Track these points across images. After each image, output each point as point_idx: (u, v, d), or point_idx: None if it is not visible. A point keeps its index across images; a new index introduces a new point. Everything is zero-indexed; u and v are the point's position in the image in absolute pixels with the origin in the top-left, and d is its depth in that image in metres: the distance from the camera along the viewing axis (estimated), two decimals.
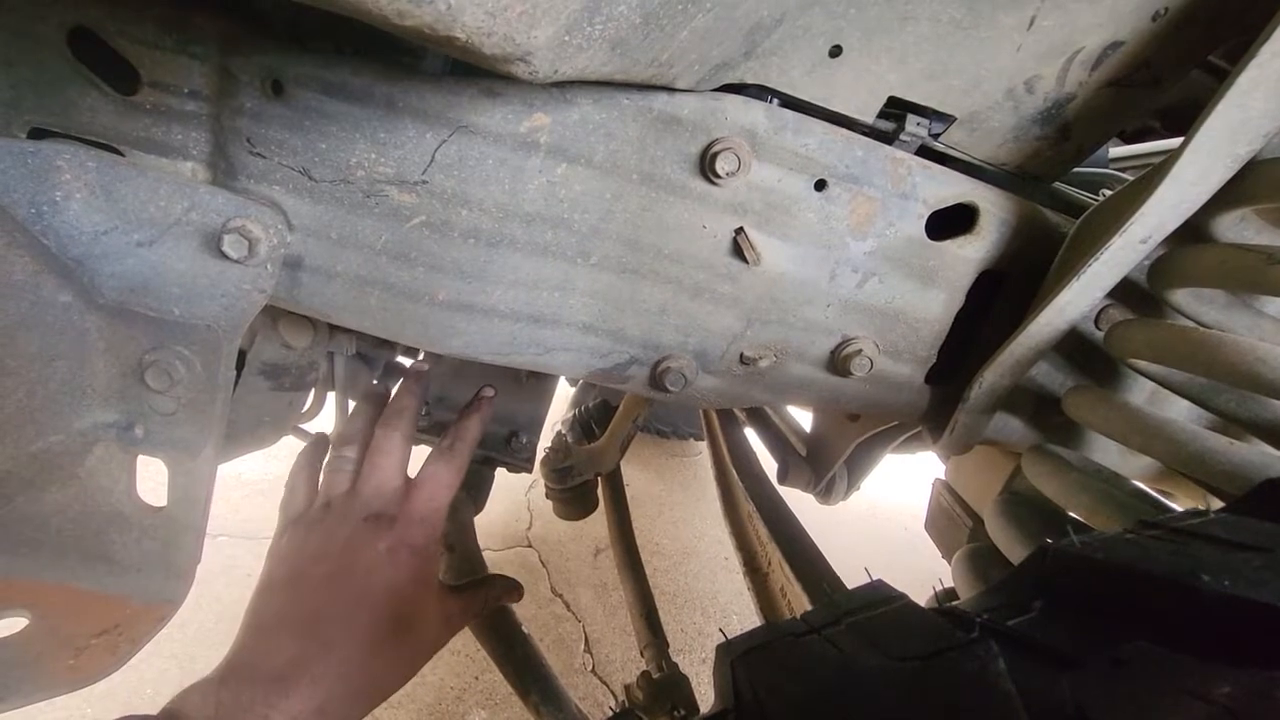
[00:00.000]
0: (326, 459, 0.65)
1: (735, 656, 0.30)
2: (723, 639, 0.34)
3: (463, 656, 1.60)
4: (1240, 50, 0.46)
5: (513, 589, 0.73)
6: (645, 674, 1.12)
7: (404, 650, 0.55)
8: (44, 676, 0.52)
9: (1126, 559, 0.25)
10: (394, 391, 0.69)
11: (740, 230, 0.54)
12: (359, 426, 0.66)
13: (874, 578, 0.36)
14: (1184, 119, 0.49)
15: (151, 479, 0.53)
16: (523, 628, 0.86)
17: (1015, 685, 0.21)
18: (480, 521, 0.92)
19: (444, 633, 0.60)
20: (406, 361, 0.91)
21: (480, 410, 0.72)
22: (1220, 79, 0.47)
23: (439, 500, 0.62)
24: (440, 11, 0.30)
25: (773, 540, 1.07)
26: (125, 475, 0.52)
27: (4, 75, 0.46)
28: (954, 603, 0.31)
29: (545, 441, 1.15)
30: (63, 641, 0.52)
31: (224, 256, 0.47)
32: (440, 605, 0.60)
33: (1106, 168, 0.91)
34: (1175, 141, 0.49)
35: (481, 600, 0.68)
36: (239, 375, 0.65)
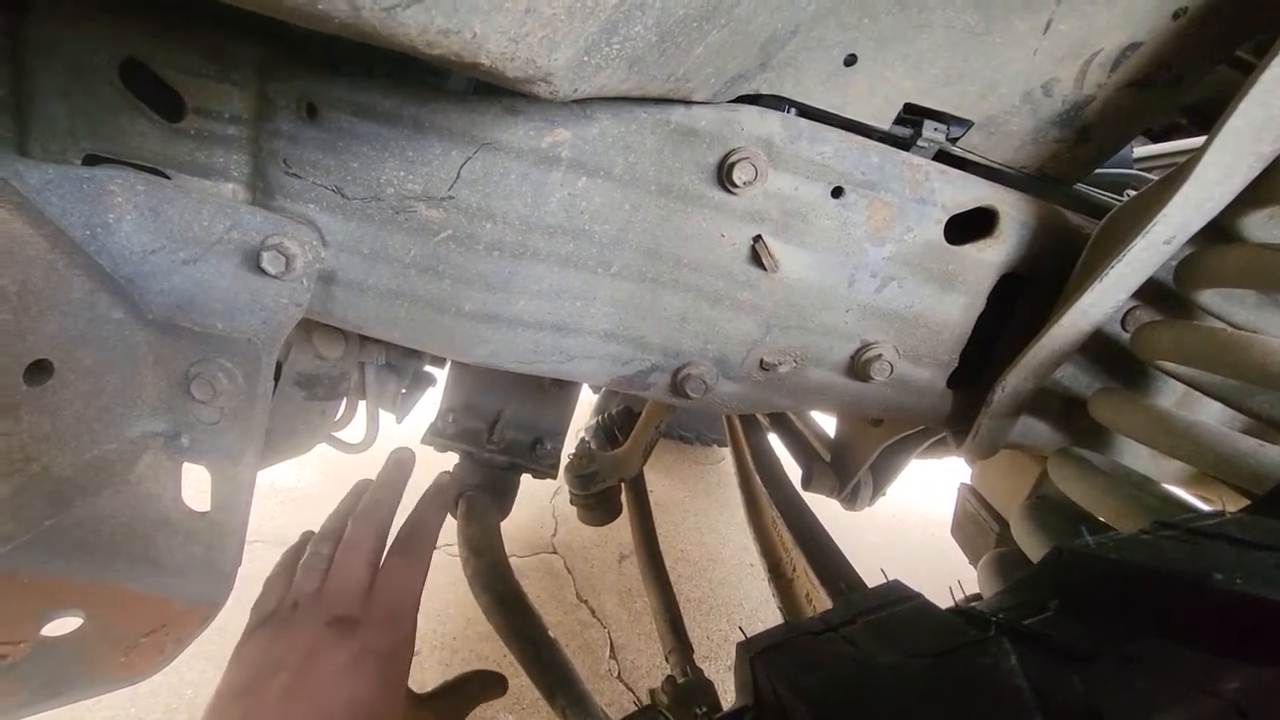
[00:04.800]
0: (304, 557, 0.62)
1: (755, 654, 0.31)
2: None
3: (490, 662, 1.62)
4: (1267, 46, 0.46)
5: (495, 684, 0.66)
6: (670, 679, 1.12)
7: None
8: (98, 673, 0.55)
9: (1140, 558, 0.25)
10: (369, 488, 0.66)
11: (758, 238, 0.55)
12: (335, 523, 0.63)
13: (891, 578, 0.36)
14: (1211, 116, 0.49)
15: (194, 485, 0.55)
16: (549, 633, 0.87)
17: (1028, 681, 0.21)
18: (505, 528, 0.94)
19: None
20: (435, 371, 0.93)
21: (440, 497, 0.67)
22: (1248, 74, 0.46)
23: (406, 597, 0.58)
24: (466, 40, 0.32)
25: (797, 546, 1.07)
26: (172, 482, 0.55)
27: (61, 105, 0.49)
28: (972, 603, 0.32)
29: (569, 448, 1.16)
30: (114, 640, 0.55)
31: (263, 272, 0.50)
32: (412, 717, 0.56)
33: (1130, 168, 0.90)
34: (1201, 140, 0.48)
35: (462, 708, 0.63)
36: (275, 386, 0.67)
